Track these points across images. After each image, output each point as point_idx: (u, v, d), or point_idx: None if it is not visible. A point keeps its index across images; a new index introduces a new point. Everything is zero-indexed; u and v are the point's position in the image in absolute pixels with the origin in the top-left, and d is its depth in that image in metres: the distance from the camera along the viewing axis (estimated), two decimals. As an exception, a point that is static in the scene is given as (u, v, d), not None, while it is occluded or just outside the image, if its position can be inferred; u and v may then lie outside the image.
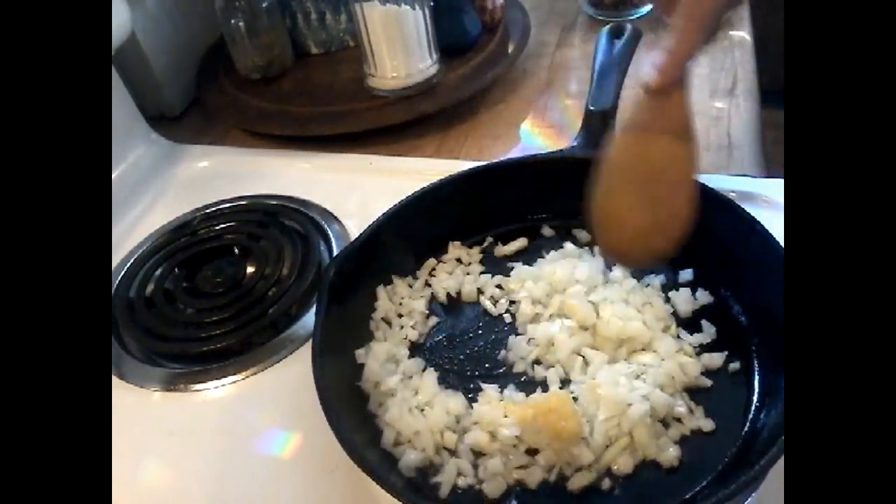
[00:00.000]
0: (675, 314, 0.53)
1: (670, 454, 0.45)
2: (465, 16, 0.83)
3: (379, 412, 0.49)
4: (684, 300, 0.53)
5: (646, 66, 0.44)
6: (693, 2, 0.42)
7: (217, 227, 0.70)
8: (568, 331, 0.52)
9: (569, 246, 0.58)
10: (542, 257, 0.58)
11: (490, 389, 0.50)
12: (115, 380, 0.57)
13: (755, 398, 0.48)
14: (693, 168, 0.46)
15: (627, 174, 0.47)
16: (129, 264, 0.67)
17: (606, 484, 0.45)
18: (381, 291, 0.57)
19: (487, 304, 0.57)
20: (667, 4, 0.45)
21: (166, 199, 0.76)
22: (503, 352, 0.53)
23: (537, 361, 0.52)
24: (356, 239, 0.55)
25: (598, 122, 0.60)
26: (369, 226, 0.56)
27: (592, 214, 0.48)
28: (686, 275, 0.55)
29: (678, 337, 0.51)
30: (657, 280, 0.55)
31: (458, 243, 0.61)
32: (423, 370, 0.52)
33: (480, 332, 0.55)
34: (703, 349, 0.51)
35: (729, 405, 0.48)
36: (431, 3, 0.77)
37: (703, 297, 0.53)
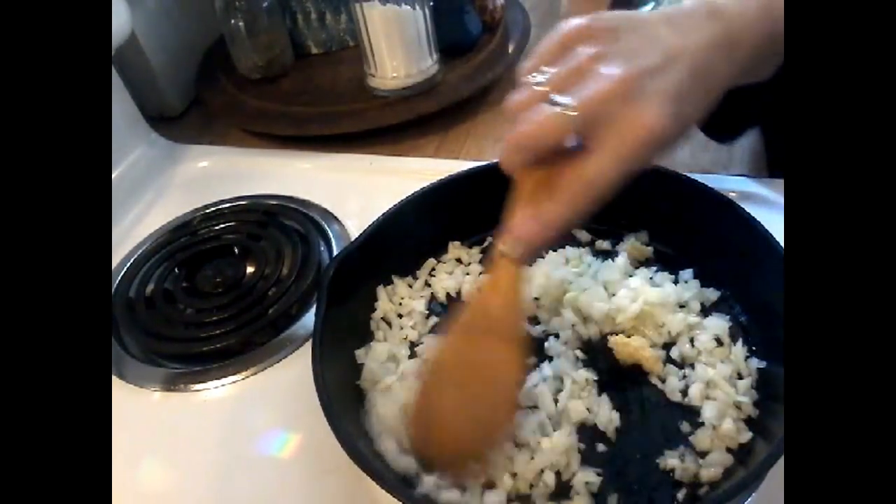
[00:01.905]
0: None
1: None
2: (466, 16, 0.83)
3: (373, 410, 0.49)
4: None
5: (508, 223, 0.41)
6: (584, 176, 0.38)
7: (217, 227, 0.69)
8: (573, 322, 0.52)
9: (569, 249, 0.58)
10: (542, 257, 0.58)
11: None
12: (115, 380, 0.57)
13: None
14: (518, 373, 0.44)
15: (450, 375, 0.44)
16: (129, 264, 0.67)
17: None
18: (381, 291, 0.57)
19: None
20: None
21: (166, 199, 0.76)
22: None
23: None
24: (356, 239, 0.55)
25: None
26: (369, 226, 0.56)
27: (408, 416, 0.45)
28: (686, 274, 0.55)
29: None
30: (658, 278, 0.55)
31: (458, 243, 0.61)
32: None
33: (480, 332, 0.55)
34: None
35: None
36: (431, 3, 0.77)
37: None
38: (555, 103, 0.38)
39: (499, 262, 0.42)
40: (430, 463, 0.44)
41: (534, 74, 0.40)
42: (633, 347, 0.49)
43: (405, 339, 0.55)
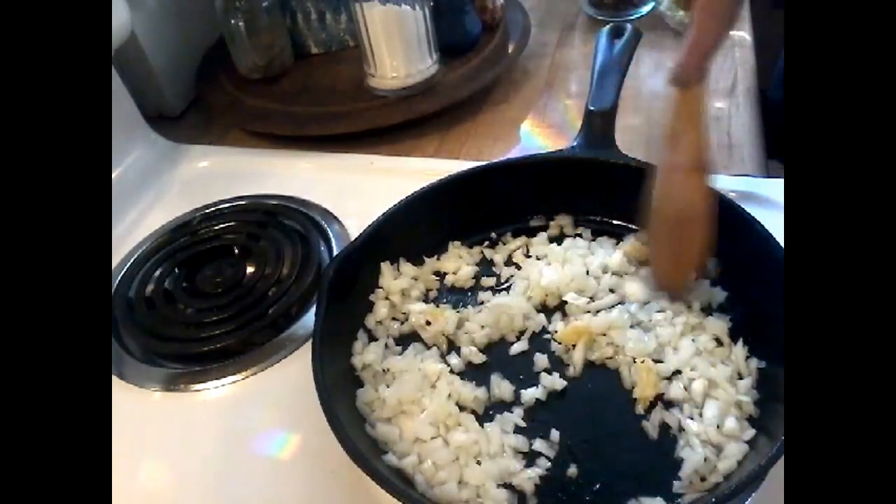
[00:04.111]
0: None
1: None
2: (465, 16, 0.83)
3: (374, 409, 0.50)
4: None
5: (669, 61, 0.47)
6: None
7: (217, 227, 0.69)
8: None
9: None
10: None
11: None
12: (115, 380, 0.57)
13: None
14: (705, 199, 0.48)
15: (659, 218, 0.51)
16: (129, 264, 0.67)
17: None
18: (381, 291, 0.57)
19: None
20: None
21: (166, 199, 0.76)
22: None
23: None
24: (356, 239, 0.55)
25: (598, 122, 0.60)
26: (369, 226, 0.56)
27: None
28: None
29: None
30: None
31: (458, 243, 0.61)
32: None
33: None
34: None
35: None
36: (431, 3, 0.77)
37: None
38: None
39: (675, 97, 0.47)
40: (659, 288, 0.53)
41: None
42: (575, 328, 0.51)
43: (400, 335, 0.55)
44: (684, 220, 0.49)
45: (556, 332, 0.53)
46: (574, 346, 0.51)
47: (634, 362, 0.49)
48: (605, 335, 0.51)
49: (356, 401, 0.50)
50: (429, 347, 0.54)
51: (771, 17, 0.99)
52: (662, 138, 0.49)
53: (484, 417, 0.49)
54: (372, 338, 0.55)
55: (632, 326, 0.52)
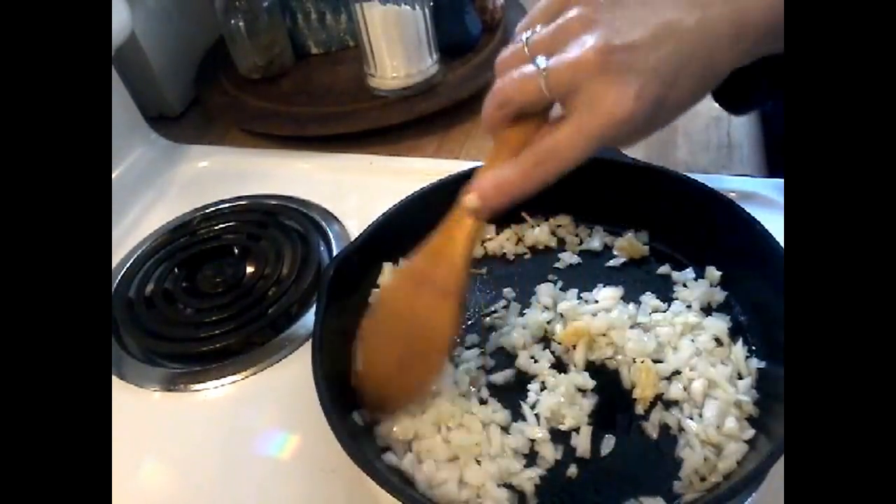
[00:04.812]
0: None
1: None
2: (466, 16, 0.83)
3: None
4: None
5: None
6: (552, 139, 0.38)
7: (217, 227, 0.69)
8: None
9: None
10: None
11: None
12: (115, 380, 0.57)
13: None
14: (451, 328, 0.45)
15: (389, 319, 0.47)
16: (129, 264, 0.67)
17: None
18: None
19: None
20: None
21: (166, 199, 0.76)
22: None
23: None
24: (356, 239, 0.55)
25: (597, 122, 0.60)
26: (369, 226, 0.56)
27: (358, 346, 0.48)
28: (687, 274, 0.55)
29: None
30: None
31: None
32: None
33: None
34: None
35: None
36: (431, 3, 0.77)
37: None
38: (536, 64, 0.37)
39: (458, 214, 0.43)
40: (361, 398, 0.47)
41: (526, 32, 0.39)
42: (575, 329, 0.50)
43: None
44: (427, 340, 0.45)
45: (554, 333, 0.52)
46: (574, 346, 0.51)
47: (634, 362, 0.49)
48: (604, 335, 0.51)
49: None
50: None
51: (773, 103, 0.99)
52: (424, 245, 0.45)
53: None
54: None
55: (632, 327, 0.51)
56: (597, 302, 0.54)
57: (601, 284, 0.55)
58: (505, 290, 0.57)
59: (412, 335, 0.46)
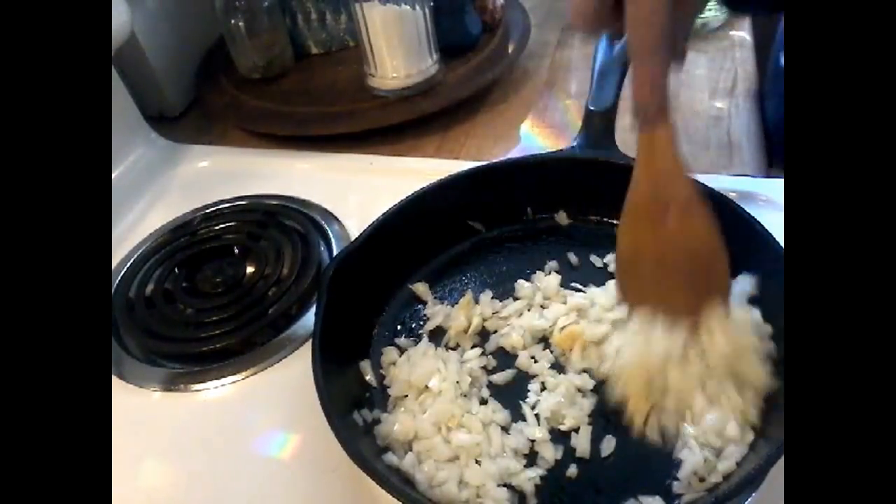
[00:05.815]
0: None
1: None
2: (466, 16, 0.83)
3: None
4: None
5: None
6: (639, 22, 0.38)
7: (217, 227, 0.69)
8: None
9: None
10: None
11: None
12: (115, 380, 0.57)
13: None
14: (712, 235, 0.44)
15: (651, 268, 0.45)
16: (129, 264, 0.67)
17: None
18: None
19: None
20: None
21: (166, 199, 0.76)
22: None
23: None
24: (356, 239, 0.55)
25: (598, 122, 0.60)
26: (369, 226, 0.56)
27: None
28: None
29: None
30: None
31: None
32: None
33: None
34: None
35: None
36: (431, 3, 0.77)
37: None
38: None
39: (643, 140, 0.42)
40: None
41: None
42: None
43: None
44: (703, 253, 0.44)
45: (551, 336, 0.52)
46: (571, 349, 0.51)
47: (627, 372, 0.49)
48: (598, 344, 0.51)
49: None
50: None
51: (771, 17, 0.99)
52: (631, 194, 0.44)
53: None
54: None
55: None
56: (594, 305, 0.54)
57: (592, 285, 0.55)
58: (506, 288, 0.57)
59: (683, 267, 0.44)
